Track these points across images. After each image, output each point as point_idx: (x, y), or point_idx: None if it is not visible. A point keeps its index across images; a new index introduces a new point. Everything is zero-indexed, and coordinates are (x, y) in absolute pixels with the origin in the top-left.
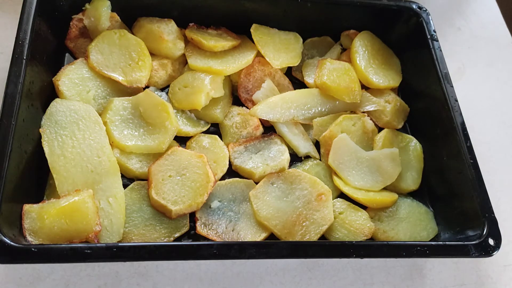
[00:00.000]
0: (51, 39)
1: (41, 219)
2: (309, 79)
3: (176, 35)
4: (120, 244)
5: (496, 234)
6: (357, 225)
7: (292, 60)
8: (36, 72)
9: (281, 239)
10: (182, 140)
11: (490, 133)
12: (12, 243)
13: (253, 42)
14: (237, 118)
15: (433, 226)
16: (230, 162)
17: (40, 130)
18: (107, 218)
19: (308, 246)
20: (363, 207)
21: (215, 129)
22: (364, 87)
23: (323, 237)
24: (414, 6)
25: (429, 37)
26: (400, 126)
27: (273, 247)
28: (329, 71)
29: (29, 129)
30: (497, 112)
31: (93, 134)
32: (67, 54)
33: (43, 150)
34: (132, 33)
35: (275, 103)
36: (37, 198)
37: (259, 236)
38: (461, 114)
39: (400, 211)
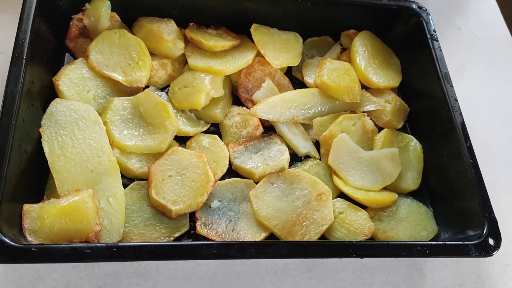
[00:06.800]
0: (51, 39)
1: (41, 219)
2: (309, 79)
3: (176, 35)
4: (120, 244)
5: (496, 234)
6: (357, 225)
7: (292, 60)
8: (36, 72)
9: (281, 239)
10: (182, 140)
11: (490, 133)
12: (12, 243)
13: (253, 42)
14: (237, 118)
15: (433, 226)
16: (230, 162)
17: (40, 130)
18: (107, 218)
19: (308, 246)
20: (363, 207)
21: (215, 129)
22: (364, 87)
23: (323, 237)
24: (414, 6)
25: (429, 37)
26: (400, 126)
27: (273, 247)
28: (329, 71)
29: (29, 129)
30: (497, 112)
31: (93, 134)
32: (67, 54)
33: (43, 150)
34: (132, 33)
35: (275, 103)
36: (37, 198)
37: (259, 236)
38: (461, 114)
39: (400, 211)
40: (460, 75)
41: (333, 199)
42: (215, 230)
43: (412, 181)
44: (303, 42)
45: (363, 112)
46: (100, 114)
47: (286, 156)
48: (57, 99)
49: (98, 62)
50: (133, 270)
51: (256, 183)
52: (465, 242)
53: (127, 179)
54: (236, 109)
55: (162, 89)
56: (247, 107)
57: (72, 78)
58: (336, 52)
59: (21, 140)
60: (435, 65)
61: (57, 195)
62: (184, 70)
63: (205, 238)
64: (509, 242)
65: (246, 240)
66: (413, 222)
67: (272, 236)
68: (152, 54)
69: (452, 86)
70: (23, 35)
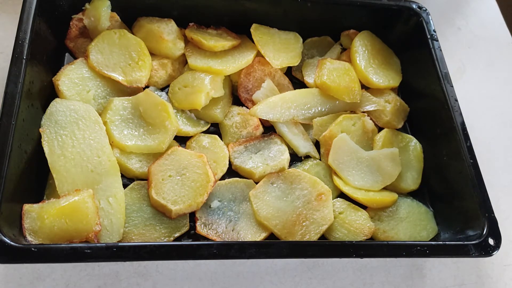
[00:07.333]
0: (51, 39)
1: (41, 219)
2: (309, 79)
3: (176, 35)
4: (120, 244)
5: (496, 234)
6: (357, 225)
7: (292, 60)
8: (36, 72)
9: (281, 239)
10: (182, 140)
11: (490, 133)
12: (12, 243)
13: (253, 42)
14: (237, 118)
15: (433, 226)
16: (230, 162)
17: (40, 130)
18: (107, 218)
19: (308, 246)
20: (363, 207)
21: (215, 129)
22: (364, 87)
23: (323, 237)
24: (414, 6)
25: (429, 37)
26: (400, 126)
27: (273, 247)
28: (329, 71)
29: (29, 129)
30: (497, 112)
31: (93, 134)
32: (67, 54)
33: (43, 150)
34: (132, 33)
35: (275, 103)
36: (37, 198)
37: (259, 236)
38: (461, 114)
39: (400, 211)
40: (460, 75)
41: (333, 199)
42: (215, 230)
43: (412, 181)
44: (303, 42)
45: (363, 112)
46: (100, 114)
47: (286, 156)
48: (57, 99)
49: (98, 62)
50: (133, 270)
51: (256, 183)
52: (465, 242)
53: (127, 179)
54: (236, 109)
55: (162, 89)
56: (247, 107)
57: (72, 78)
58: (336, 52)
59: (21, 140)
60: (435, 65)
61: (57, 195)
62: (184, 70)
63: (205, 238)
64: (509, 242)
65: (246, 240)
66: (413, 222)
67: (272, 236)
68: (152, 54)
69: (452, 86)
70: (23, 35)
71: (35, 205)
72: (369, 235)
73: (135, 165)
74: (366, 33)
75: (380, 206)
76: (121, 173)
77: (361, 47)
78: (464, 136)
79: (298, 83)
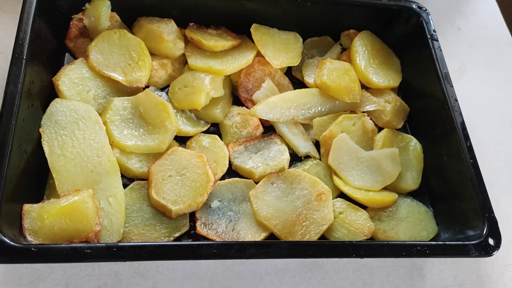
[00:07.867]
0: (51, 39)
1: (41, 219)
2: (309, 79)
3: (176, 35)
4: (120, 244)
5: (496, 234)
6: (357, 225)
7: (292, 60)
8: (36, 72)
9: (281, 239)
10: (182, 140)
11: (490, 133)
12: (12, 243)
13: (253, 42)
14: (237, 118)
15: (433, 226)
16: (230, 162)
17: (40, 130)
18: (107, 218)
19: (308, 246)
20: (363, 207)
21: (215, 129)
22: (364, 87)
23: (323, 237)
24: (414, 6)
25: (429, 37)
26: (400, 126)
27: (273, 247)
28: (329, 71)
29: (29, 129)
30: (497, 112)
31: (93, 134)
32: (67, 54)
33: (43, 150)
34: (132, 33)
35: (275, 103)
36: (37, 198)
37: (259, 236)
38: (461, 114)
39: (400, 211)
40: (460, 75)
41: (333, 199)
42: (215, 230)
43: (412, 181)
44: (303, 42)
45: (363, 112)
46: (100, 114)
47: (286, 156)
48: (57, 99)
49: (98, 62)
50: (133, 270)
51: (256, 183)
52: (465, 242)
53: (127, 179)
54: (236, 109)
55: (162, 89)
56: (247, 107)
57: (72, 78)
58: (336, 52)
59: (21, 140)
60: (435, 65)
61: (57, 195)
62: (184, 70)
63: (205, 238)
64: (509, 242)
65: (246, 240)
66: (413, 222)
67: (272, 236)
68: (152, 54)
69: (452, 86)
70: (23, 35)
71: (35, 205)
72: (369, 235)
73: (135, 165)
74: (366, 33)
75: (380, 206)
76: (121, 173)
77: (361, 47)
78: (464, 136)
79: (298, 83)
